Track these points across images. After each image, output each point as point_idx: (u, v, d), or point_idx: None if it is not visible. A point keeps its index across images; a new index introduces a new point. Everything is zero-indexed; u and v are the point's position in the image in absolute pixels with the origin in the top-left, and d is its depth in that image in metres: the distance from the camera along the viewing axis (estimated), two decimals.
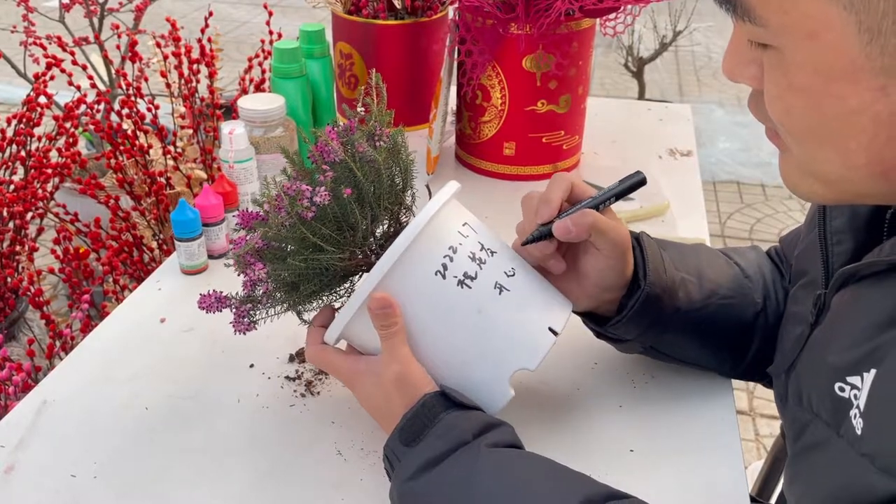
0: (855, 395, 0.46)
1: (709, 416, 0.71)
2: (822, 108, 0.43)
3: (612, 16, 1.07)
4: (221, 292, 0.64)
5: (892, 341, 0.44)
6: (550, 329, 0.62)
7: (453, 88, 1.16)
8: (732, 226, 2.70)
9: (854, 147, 0.43)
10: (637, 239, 0.67)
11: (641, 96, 3.25)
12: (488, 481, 0.52)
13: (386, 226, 0.66)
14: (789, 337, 0.62)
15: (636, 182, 0.66)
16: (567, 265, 0.65)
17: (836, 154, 0.44)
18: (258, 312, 0.63)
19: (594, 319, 0.70)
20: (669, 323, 0.67)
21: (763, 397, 1.95)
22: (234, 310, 0.63)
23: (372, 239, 0.64)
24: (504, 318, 0.61)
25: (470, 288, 0.60)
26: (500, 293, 0.61)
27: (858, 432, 0.45)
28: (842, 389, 0.47)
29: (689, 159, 1.22)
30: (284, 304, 0.63)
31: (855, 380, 0.46)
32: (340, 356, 0.63)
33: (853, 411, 0.46)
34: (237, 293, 0.64)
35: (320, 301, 0.65)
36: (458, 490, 0.53)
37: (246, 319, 0.63)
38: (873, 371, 0.45)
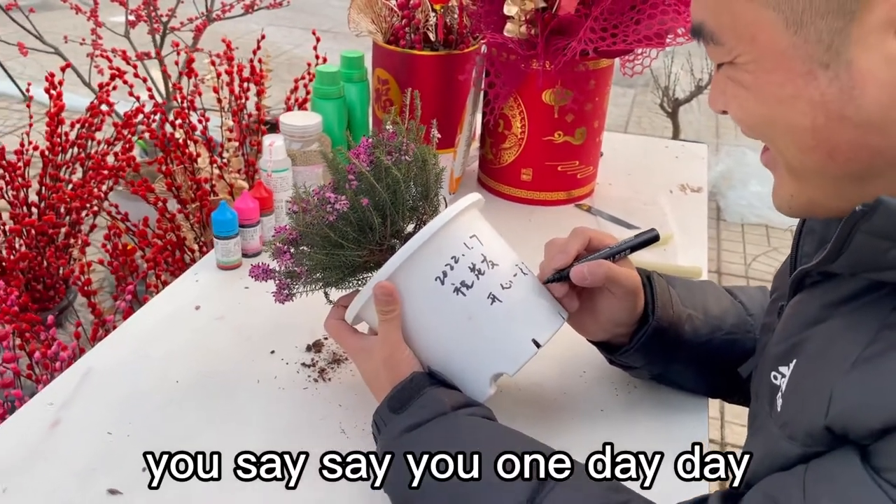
0: (783, 383, 0.53)
1: (681, 424, 0.77)
2: (767, 97, 0.50)
3: (630, 56, 1.15)
4: (269, 265, 0.73)
5: (811, 336, 0.52)
6: (534, 341, 0.68)
7: (478, 116, 1.25)
8: (757, 268, 2.73)
9: (801, 130, 0.49)
10: (648, 277, 0.75)
11: (675, 137, 3.31)
12: (461, 439, 0.60)
13: (413, 226, 0.74)
14: (760, 345, 0.69)
15: (649, 238, 0.73)
16: (585, 303, 0.73)
17: (792, 139, 0.50)
18: (296, 287, 0.73)
19: (607, 348, 0.78)
20: (676, 354, 0.75)
21: None
22: (276, 281, 0.73)
23: (394, 239, 0.73)
24: (491, 326, 0.68)
25: (465, 295, 0.67)
26: (492, 303, 0.67)
27: (779, 410, 0.53)
28: (775, 378, 0.55)
29: (698, 195, 1.29)
30: (318, 284, 0.72)
31: (784, 369, 0.54)
32: (348, 332, 0.72)
33: (779, 394, 0.54)
34: (281, 268, 0.73)
35: (347, 285, 0.74)
36: (434, 446, 0.61)
37: (285, 291, 0.73)
38: (795, 360, 0.53)
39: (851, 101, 0.46)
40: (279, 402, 0.79)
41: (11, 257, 1.62)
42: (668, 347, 0.74)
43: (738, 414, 2.02)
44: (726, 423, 2.02)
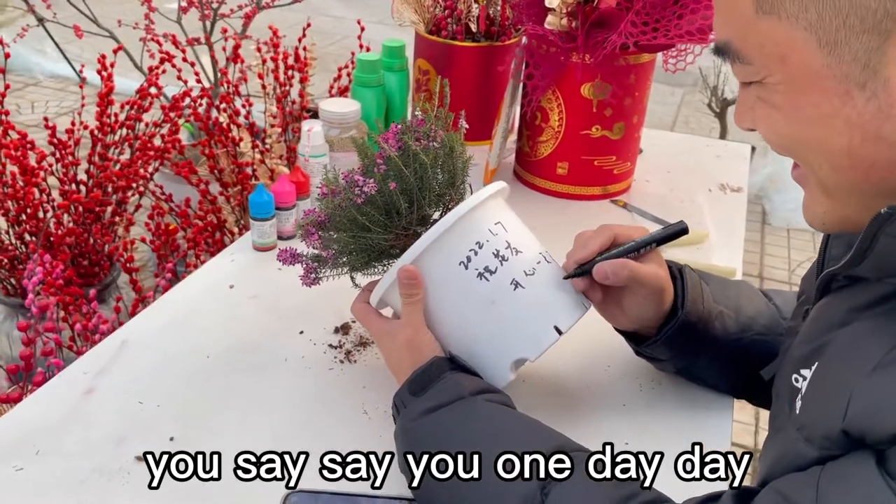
0: (803, 386, 0.53)
1: (705, 423, 0.77)
2: (799, 118, 0.49)
3: (673, 52, 1.14)
4: (296, 250, 0.75)
5: (833, 339, 0.52)
6: (556, 327, 0.68)
7: (516, 108, 1.25)
8: (801, 274, 2.66)
9: (836, 150, 0.49)
10: (680, 271, 0.74)
11: (723, 137, 3.25)
12: (479, 424, 0.61)
13: (439, 213, 0.75)
14: (783, 347, 0.69)
15: (677, 231, 0.72)
16: (611, 294, 0.72)
17: (826, 158, 0.50)
18: (323, 271, 0.74)
19: (634, 339, 0.77)
20: (703, 349, 0.74)
21: None
22: (303, 265, 0.74)
23: (420, 226, 0.73)
24: (514, 311, 0.68)
25: (488, 281, 0.68)
26: (514, 289, 0.68)
27: (797, 412, 0.53)
28: (796, 380, 0.54)
29: (738, 195, 1.27)
30: (344, 268, 0.74)
31: (805, 372, 0.53)
32: (373, 315, 0.73)
33: (799, 396, 0.53)
34: (309, 250, 0.75)
35: (372, 270, 0.75)
36: (452, 428, 0.62)
37: (312, 275, 0.74)
38: (816, 364, 0.52)
39: (889, 119, 0.46)
40: (305, 380, 0.81)
41: (59, 232, 1.67)
42: (695, 342, 0.73)
43: None
44: (760, 429, 1.99)
